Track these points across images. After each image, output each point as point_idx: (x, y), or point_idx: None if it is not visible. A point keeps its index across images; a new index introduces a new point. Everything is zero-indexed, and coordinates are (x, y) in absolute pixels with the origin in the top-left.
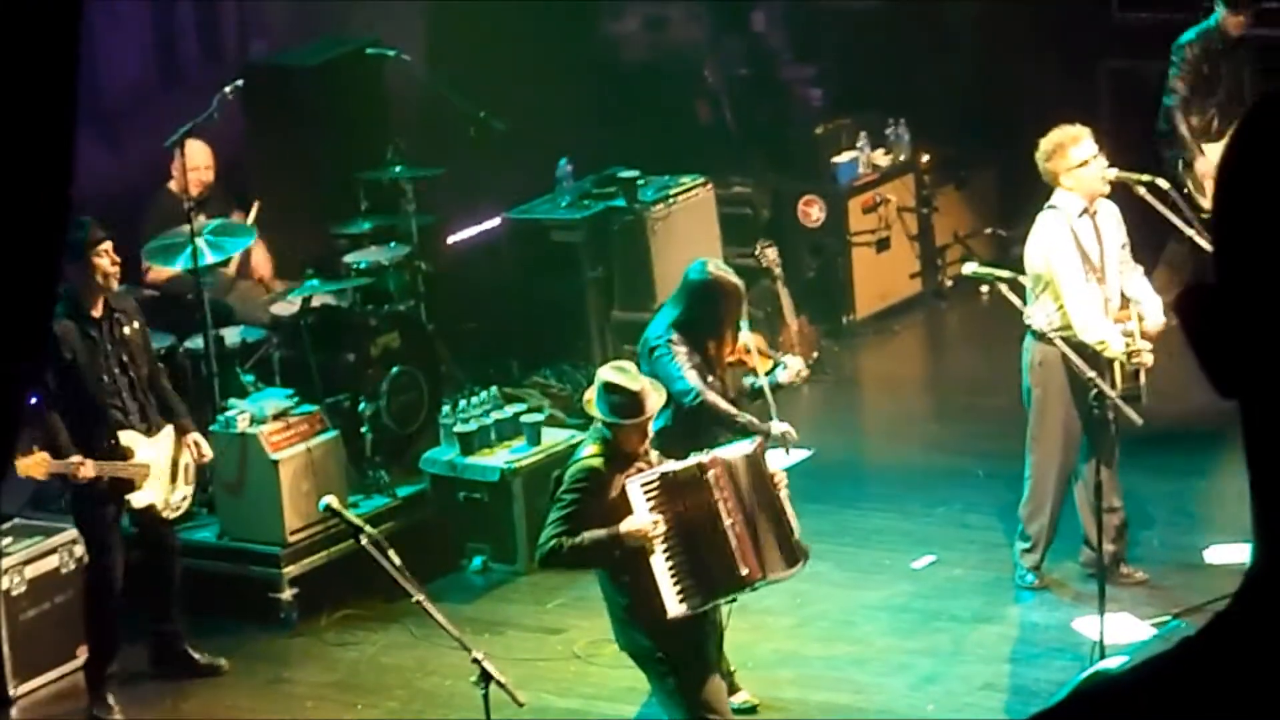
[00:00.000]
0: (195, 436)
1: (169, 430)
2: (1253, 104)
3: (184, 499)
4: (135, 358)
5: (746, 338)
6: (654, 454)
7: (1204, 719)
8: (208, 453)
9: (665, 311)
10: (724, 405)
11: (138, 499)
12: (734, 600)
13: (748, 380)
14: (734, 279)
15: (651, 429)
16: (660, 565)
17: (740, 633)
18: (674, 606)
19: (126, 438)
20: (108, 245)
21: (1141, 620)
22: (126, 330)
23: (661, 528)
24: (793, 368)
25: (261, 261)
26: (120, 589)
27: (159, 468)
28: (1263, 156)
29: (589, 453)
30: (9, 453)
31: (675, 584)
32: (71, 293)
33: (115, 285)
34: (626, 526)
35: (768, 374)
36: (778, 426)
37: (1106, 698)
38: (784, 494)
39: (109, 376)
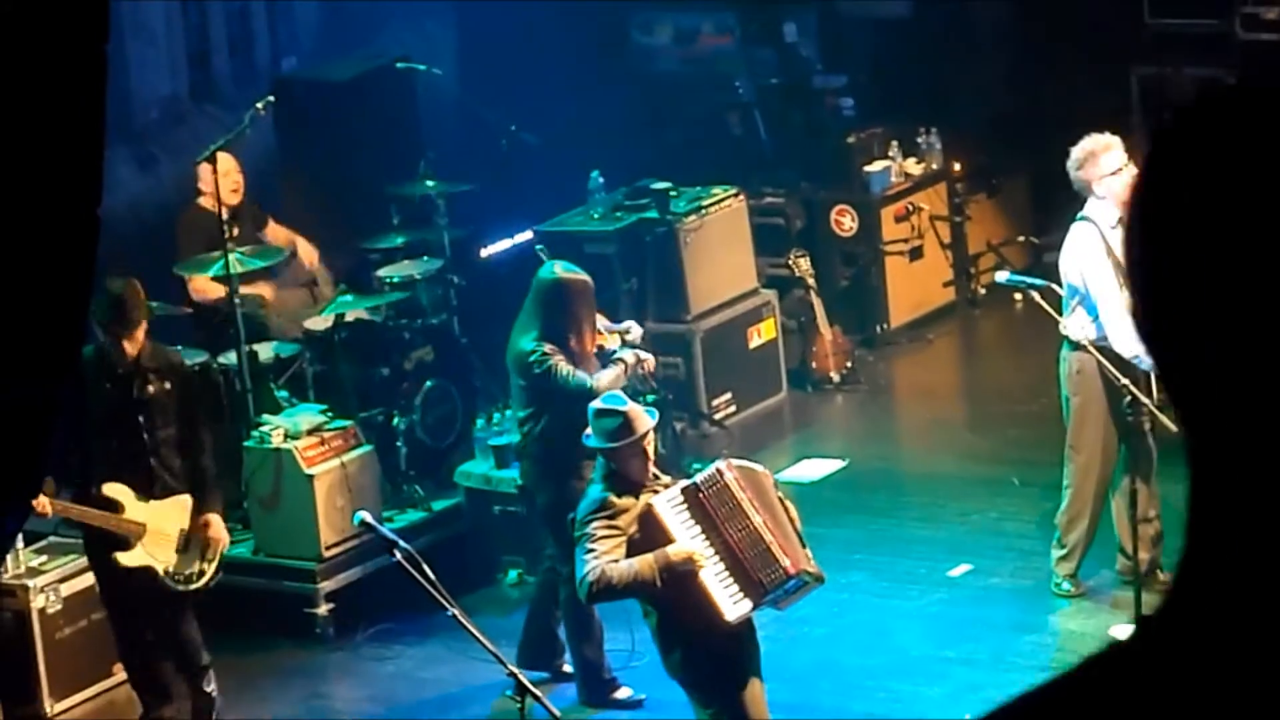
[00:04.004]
0: (210, 517)
1: (184, 500)
2: (1156, 133)
3: (200, 574)
4: (155, 418)
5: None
6: (665, 478)
7: (1130, 709)
8: (218, 535)
9: (525, 324)
10: (616, 377)
11: (127, 558)
12: (782, 595)
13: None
14: (581, 275)
15: (652, 452)
16: (709, 575)
17: (777, 643)
18: (731, 610)
19: (113, 490)
20: (143, 326)
21: None
22: (151, 389)
23: (705, 543)
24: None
25: (306, 252)
26: (145, 626)
27: (160, 532)
28: (1174, 187)
29: (596, 490)
30: (38, 476)
31: (727, 588)
32: (101, 347)
33: (144, 347)
34: (675, 552)
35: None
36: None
37: (1055, 692)
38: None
39: (123, 431)
